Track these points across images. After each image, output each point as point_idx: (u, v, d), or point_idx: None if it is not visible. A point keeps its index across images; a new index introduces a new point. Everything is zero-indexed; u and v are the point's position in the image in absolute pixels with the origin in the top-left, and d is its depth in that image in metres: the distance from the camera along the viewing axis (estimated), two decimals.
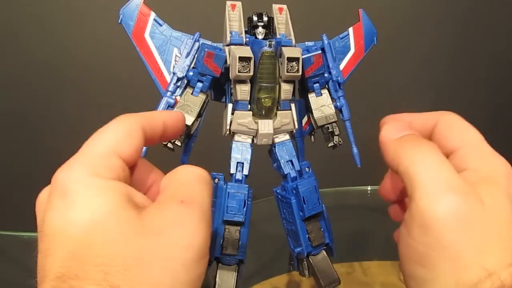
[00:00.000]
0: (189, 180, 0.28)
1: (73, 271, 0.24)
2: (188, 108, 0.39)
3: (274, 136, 0.41)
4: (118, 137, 0.28)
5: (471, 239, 0.26)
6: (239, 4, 0.40)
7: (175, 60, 0.40)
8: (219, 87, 0.42)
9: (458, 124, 0.32)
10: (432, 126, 0.33)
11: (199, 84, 0.39)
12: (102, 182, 0.26)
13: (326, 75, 0.43)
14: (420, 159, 0.29)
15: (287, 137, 0.42)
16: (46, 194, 0.27)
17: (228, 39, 0.39)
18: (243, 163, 0.40)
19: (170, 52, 0.40)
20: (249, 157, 0.40)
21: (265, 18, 0.39)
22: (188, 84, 0.40)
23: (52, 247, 0.25)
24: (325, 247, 0.43)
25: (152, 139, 0.30)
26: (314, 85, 0.42)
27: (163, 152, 0.39)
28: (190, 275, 0.26)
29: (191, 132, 0.41)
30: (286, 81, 0.39)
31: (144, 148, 0.38)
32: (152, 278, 0.24)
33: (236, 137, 0.40)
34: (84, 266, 0.24)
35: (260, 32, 0.39)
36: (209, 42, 0.41)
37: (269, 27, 0.40)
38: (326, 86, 0.43)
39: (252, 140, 0.41)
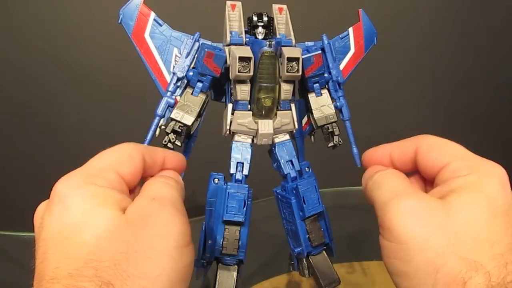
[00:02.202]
0: (158, 184, 0.32)
1: (67, 270, 0.25)
2: (188, 108, 0.39)
3: (274, 136, 0.41)
4: (119, 157, 0.31)
5: (433, 230, 0.28)
6: (239, 4, 0.40)
7: (175, 60, 0.40)
8: (219, 87, 0.42)
9: (438, 144, 0.34)
10: (412, 152, 0.35)
11: (199, 84, 0.39)
12: (96, 188, 0.28)
13: (326, 75, 0.43)
14: (380, 188, 0.33)
15: (287, 137, 0.42)
16: (44, 206, 0.29)
17: (228, 39, 0.39)
18: (243, 163, 0.40)
19: (170, 52, 0.40)
20: (249, 157, 0.40)
21: (265, 18, 0.39)
22: (188, 84, 0.40)
23: (49, 250, 0.26)
24: (325, 247, 0.43)
25: (152, 168, 0.33)
26: (314, 85, 0.42)
27: None
28: (176, 264, 0.27)
29: (191, 132, 0.41)
30: (286, 81, 0.39)
31: None
32: (140, 270, 0.26)
33: (236, 137, 0.40)
34: (76, 264, 0.25)
35: (260, 32, 0.39)
36: (209, 42, 0.41)
37: (269, 27, 0.40)
38: (326, 86, 0.43)
39: (252, 140, 0.41)
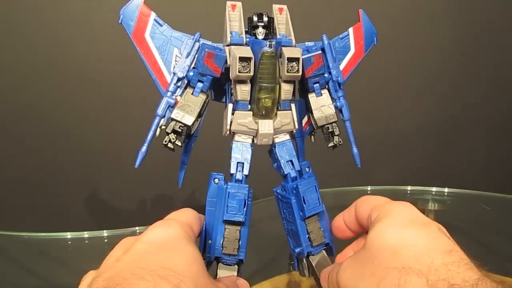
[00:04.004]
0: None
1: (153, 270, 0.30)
2: (188, 108, 0.39)
3: (274, 136, 0.41)
4: (191, 217, 0.38)
5: (359, 276, 0.32)
6: (239, 4, 0.40)
7: (176, 60, 0.40)
8: (219, 87, 0.42)
9: (364, 199, 0.39)
10: (354, 213, 0.40)
11: (199, 84, 0.39)
12: (183, 232, 0.35)
13: (326, 75, 0.43)
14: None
15: (287, 137, 0.42)
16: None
17: (228, 39, 0.39)
18: (243, 163, 0.40)
19: (170, 52, 0.40)
20: (249, 157, 0.40)
21: (265, 18, 0.39)
22: (188, 84, 0.40)
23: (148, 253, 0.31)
24: (325, 247, 0.43)
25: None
26: (314, 85, 0.42)
27: (163, 152, 0.39)
28: None
29: (192, 132, 0.41)
30: (286, 81, 0.40)
31: (145, 148, 0.39)
32: None
33: (236, 137, 0.41)
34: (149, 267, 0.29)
35: (260, 32, 0.39)
36: (210, 42, 0.41)
37: (269, 27, 0.40)
38: (326, 86, 0.43)
39: (252, 140, 0.41)
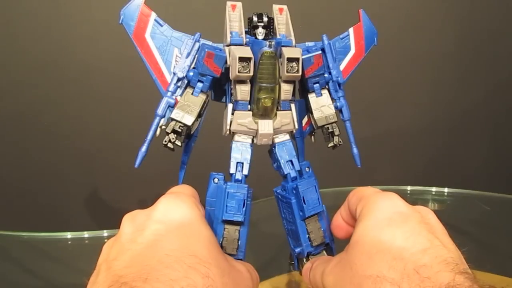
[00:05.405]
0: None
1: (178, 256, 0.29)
2: (188, 108, 0.39)
3: (274, 136, 0.41)
4: (193, 191, 0.38)
5: (341, 281, 0.32)
6: (239, 4, 0.40)
7: (176, 61, 0.40)
8: (219, 87, 0.42)
9: (353, 193, 0.39)
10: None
11: (199, 84, 0.39)
12: (196, 209, 0.34)
13: (326, 75, 0.43)
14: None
15: (287, 137, 0.42)
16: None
17: (228, 39, 0.39)
18: (243, 163, 0.40)
19: (170, 52, 0.40)
20: (249, 157, 0.40)
21: (265, 19, 0.39)
22: (188, 84, 0.40)
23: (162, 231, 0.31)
24: (325, 247, 0.43)
25: None
26: (314, 86, 0.42)
27: (163, 152, 0.39)
28: None
29: (191, 132, 0.41)
30: (286, 82, 0.40)
31: (145, 148, 0.39)
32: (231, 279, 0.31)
33: (236, 137, 0.41)
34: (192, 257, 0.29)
35: (260, 32, 0.39)
36: (210, 43, 0.41)
37: (269, 27, 0.40)
38: (326, 86, 0.43)
39: (252, 140, 0.41)
